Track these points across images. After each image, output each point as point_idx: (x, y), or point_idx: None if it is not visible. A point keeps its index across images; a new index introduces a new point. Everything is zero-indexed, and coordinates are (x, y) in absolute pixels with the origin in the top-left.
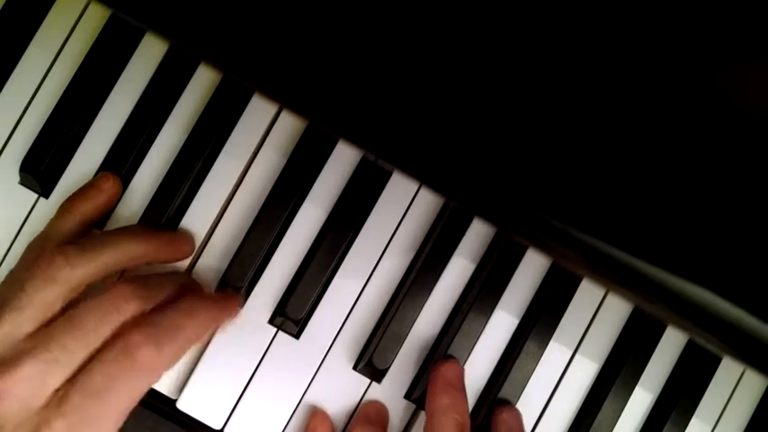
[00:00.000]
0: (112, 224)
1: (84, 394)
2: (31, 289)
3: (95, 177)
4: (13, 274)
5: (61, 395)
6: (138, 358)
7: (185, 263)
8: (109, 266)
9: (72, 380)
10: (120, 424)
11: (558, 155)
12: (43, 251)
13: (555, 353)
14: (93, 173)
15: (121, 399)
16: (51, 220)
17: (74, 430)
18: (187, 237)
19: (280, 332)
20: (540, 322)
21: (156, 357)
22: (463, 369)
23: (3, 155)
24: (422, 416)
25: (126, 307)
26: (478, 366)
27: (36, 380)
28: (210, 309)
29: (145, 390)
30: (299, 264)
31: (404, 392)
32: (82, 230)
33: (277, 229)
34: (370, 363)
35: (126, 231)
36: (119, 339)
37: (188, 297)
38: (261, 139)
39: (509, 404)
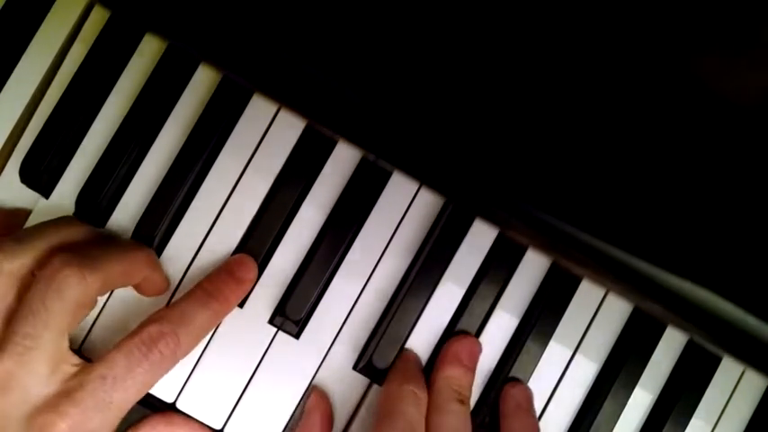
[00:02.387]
0: (113, 224)
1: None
2: None
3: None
4: None
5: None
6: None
7: (182, 265)
8: (45, 251)
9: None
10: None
11: (559, 154)
12: None
13: (555, 353)
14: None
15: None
16: None
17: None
18: None
19: (280, 332)
20: (540, 322)
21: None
22: (480, 346)
23: (2, 155)
24: None
25: (63, 274)
26: (479, 366)
27: (16, 373)
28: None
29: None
30: (299, 264)
31: None
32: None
33: (277, 229)
34: (371, 363)
35: (61, 219)
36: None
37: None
38: (261, 138)
39: (519, 381)
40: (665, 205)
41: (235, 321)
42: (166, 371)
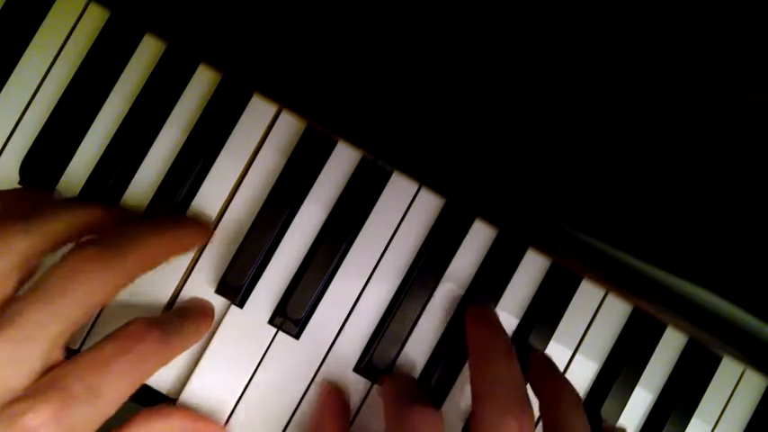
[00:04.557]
0: None
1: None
2: None
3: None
4: None
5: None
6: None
7: (185, 262)
8: (59, 235)
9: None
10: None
11: (557, 154)
12: None
13: (555, 353)
14: (94, 173)
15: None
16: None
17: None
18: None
19: (280, 332)
20: (540, 322)
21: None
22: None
23: (3, 155)
24: None
25: (90, 266)
26: None
27: (9, 362)
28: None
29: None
30: (299, 264)
31: None
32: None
33: (277, 229)
34: (371, 364)
35: (73, 201)
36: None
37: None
38: (261, 139)
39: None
40: (665, 206)
41: (235, 321)
42: (155, 367)
